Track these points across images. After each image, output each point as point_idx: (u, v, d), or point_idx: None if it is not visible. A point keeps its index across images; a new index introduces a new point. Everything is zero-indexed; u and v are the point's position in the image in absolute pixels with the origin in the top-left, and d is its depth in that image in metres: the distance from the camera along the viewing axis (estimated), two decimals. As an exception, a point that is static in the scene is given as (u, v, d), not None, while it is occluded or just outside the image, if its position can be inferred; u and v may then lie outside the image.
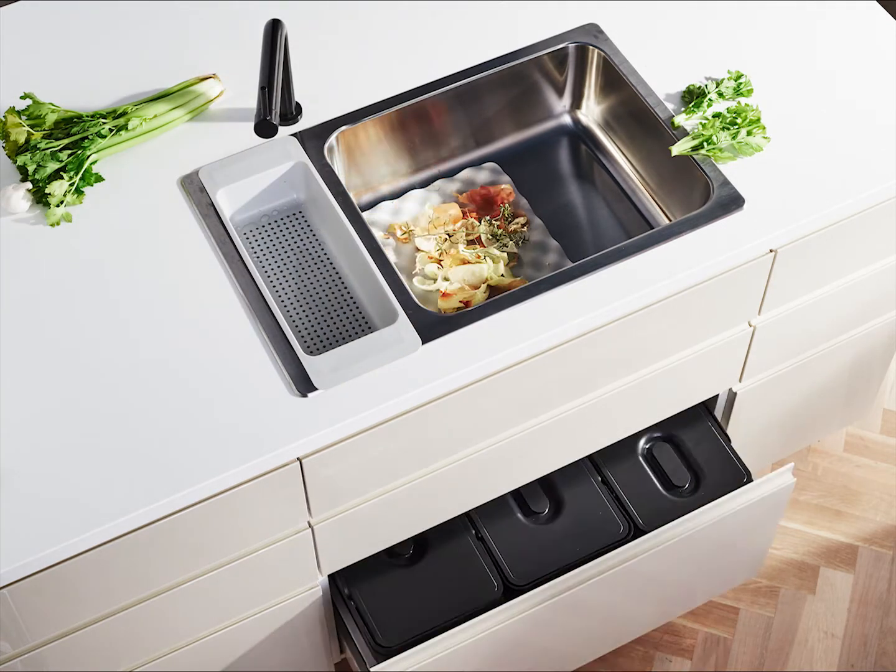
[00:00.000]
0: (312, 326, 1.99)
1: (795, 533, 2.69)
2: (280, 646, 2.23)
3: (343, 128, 2.09)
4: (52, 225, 1.98)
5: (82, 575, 1.81)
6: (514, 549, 2.22)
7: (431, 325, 1.89)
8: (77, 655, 1.97)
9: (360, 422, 1.83)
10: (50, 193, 1.97)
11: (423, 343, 1.87)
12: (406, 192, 2.22)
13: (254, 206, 2.07)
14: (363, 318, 1.99)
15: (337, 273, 2.03)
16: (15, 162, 2.00)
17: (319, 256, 2.05)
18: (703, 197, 2.06)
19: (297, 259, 2.05)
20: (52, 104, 2.05)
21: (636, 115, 2.15)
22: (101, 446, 1.78)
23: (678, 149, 2.05)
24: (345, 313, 2.00)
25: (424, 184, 2.23)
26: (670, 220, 2.10)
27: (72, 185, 1.98)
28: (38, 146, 1.99)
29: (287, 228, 2.08)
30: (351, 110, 2.11)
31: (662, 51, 2.18)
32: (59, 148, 1.99)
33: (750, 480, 2.29)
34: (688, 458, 2.32)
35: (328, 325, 1.99)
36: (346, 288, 2.02)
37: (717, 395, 2.37)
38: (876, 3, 2.25)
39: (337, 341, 1.98)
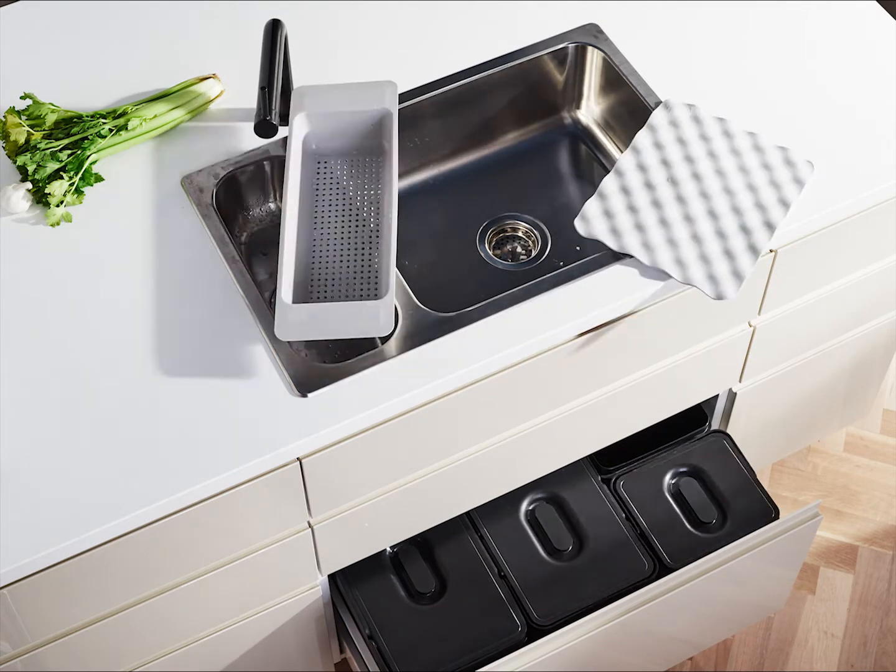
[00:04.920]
0: (323, 275, 1.94)
1: (795, 533, 2.69)
2: (280, 646, 2.23)
3: (343, 128, 2.09)
4: (52, 225, 1.98)
5: (82, 575, 1.81)
6: (537, 588, 2.18)
7: (432, 324, 1.89)
8: (77, 655, 1.97)
9: (359, 422, 1.83)
10: (50, 193, 1.97)
11: (422, 343, 1.87)
12: (405, 192, 2.22)
13: (334, 140, 2.03)
14: (376, 281, 1.94)
15: (376, 229, 1.97)
16: (15, 162, 2.00)
17: (372, 206, 2.00)
18: (703, 197, 2.06)
19: (352, 204, 2.01)
20: (52, 104, 2.05)
21: (636, 115, 2.14)
22: (101, 446, 1.78)
23: None
24: (359, 269, 1.95)
25: (424, 184, 2.23)
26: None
27: (72, 185, 1.98)
28: (38, 146, 1.99)
29: (357, 169, 2.03)
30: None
31: (662, 51, 2.17)
32: (59, 148, 1.99)
33: (777, 517, 2.25)
34: (713, 492, 2.28)
35: (337, 280, 1.94)
36: (373, 245, 1.96)
37: (717, 395, 2.37)
38: (876, 3, 2.25)
39: (322, 296, 1.92)
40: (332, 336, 1.80)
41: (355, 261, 1.96)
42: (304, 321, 1.80)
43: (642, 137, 2.00)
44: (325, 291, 1.93)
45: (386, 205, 1.96)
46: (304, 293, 1.93)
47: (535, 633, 2.17)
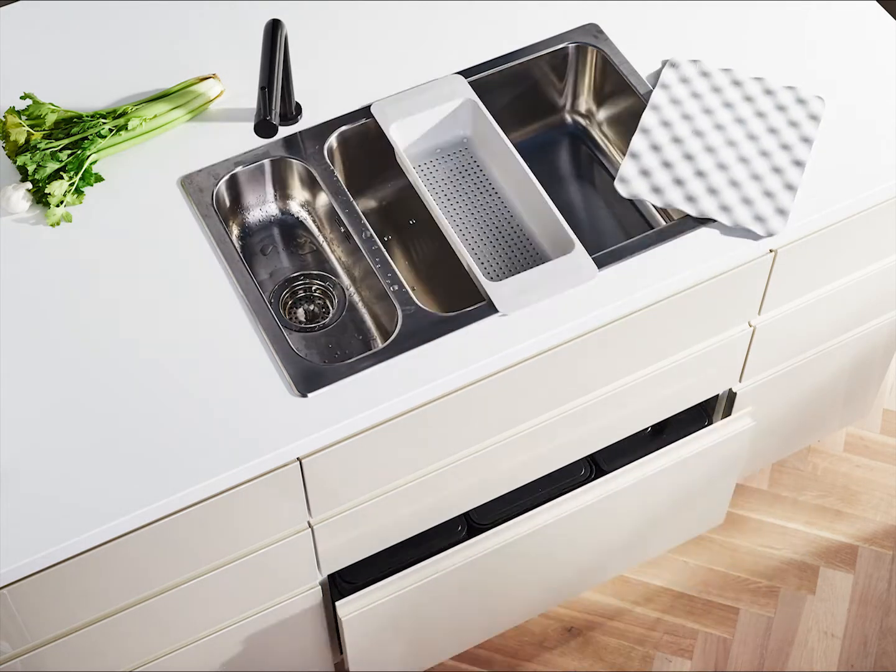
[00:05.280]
0: (485, 255, 2.06)
1: (795, 533, 2.69)
2: (280, 646, 2.23)
3: (343, 128, 2.10)
4: (52, 225, 1.98)
5: (82, 575, 1.81)
6: None
7: (432, 324, 1.89)
8: (77, 655, 1.97)
9: (359, 422, 1.83)
10: (50, 193, 1.97)
11: (422, 343, 1.87)
12: (406, 191, 2.22)
13: (423, 142, 2.13)
14: (533, 248, 2.05)
15: (505, 206, 2.09)
16: (15, 162, 2.00)
17: (487, 190, 2.11)
18: (703, 197, 2.06)
19: (467, 192, 2.12)
20: (52, 104, 2.05)
21: (636, 115, 2.14)
22: (101, 446, 1.78)
23: None
24: (515, 244, 2.06)
25: (424, 184, 2.23)
26: (670, 220, 2.10)
27: (72, 185, 1.98)
28: (38, 146, 1.99)
29: (454, 163, 2.14)
30: (351, 110, 2.11)
31: (662, 51, 2.17)
32: (59, 148, 1.99)
33: (710, 423, 2.34)
34: None
35: (499, 255, 2.06)
36: (514, 220, 2.08)
37: (717, 395, 2.37)
38: (876, 3, 2.25)
39: (510, 271, 2.04)
40: (552, 295, 1.89)
41: (508, 236, 2.07)
42: (521, 290, 1.90)
43: (658, 96, 2.08)
44: (505, 265, 2.05)
45: (507, 176, 2.08)
46: (490, 273, 2.05)
47: (475, 532, 2.25)
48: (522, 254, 2.05)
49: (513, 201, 2.09)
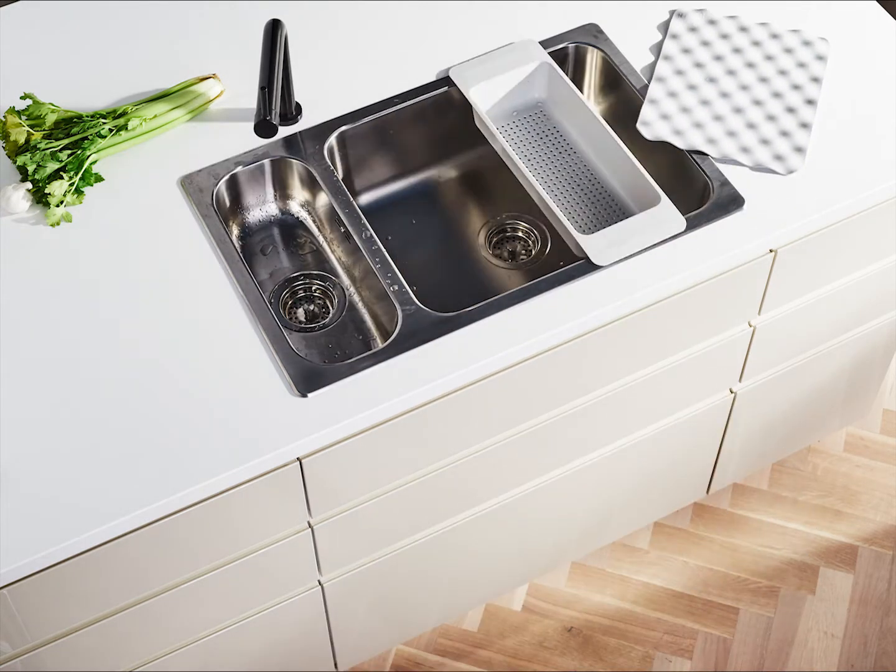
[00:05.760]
0: (571, 212, 2.11)
1: (795, 533, 2.69)
2: (280, 646, 2.23)
3: (343, 128, 2.09)
4: (52, 225, 1.98)
5: (82, 575, 1.81)
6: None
7: (432, 324, 1.89)
8: (77, 655, 1.97)
9: (359, 422, 1.83)
10: (50, 193, 1.97)
11: (422, 343, 1.87)
12: (405, 192, 2.22)
13: (500, 105, 2.18)
14: (616, 204, 2.11)
15: (584, 165, 2.14)
16: (15, 162, 2.00)
17: (565, 150, 2.16)
18: (703, 197, 2.06)
19: (545, 152, 2.16)
20: (52, 104, 2.05)
21: (635, 114, 2.14)
22: (101, 446, 1.78)
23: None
24: (597, 200, 2.12)
25: (425, 184, 2.23)
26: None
27: (72, 185, 1.98)
28: (38, 146, 1.99)
29: (531, 124, 2.18)
30: (351, 110, 2.11)
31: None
32: (59, 148, 1.99)
33: None
34: None
35: (584, 211, 2.11)
36: (595, 177, 2.13)
37: (717, 396, 2.37)
38: (876, 3, 2.25)
39: (595, 226, 2.10)
40: (641, 247, 1.94)
41: (590, 192, 2.13)
42: (613, 242, 1.94)
43: (669, 46, 2.14)
44: (592, 220, 2.10)
45: (586, 136, 2.14)
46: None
47: None
48: (606, 209, 2.10)
49: (592, 160, 2.14)
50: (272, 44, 1.94)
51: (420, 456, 2.00)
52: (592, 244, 1.94)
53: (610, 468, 2.33)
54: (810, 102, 2.10)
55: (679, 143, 2.05)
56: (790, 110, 2.08)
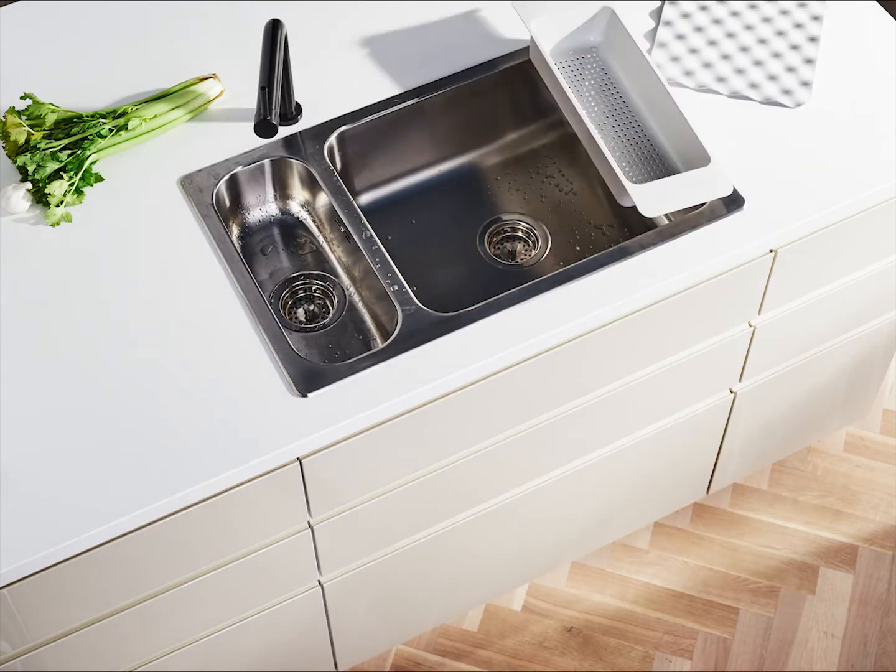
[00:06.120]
0: (618, 159, 2.09)
1: (795, 533, 2.69)
2: (280, 646, 2.23)
3: (343, 128, 2.09)
4: (52, 225, 1.98)
5: (82, 575, 1.81)
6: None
7: (432, 324, 1.89)
8: (77, 655, 1.97)
9: (359, 422, 1.83)
10: (50, 193, 1.97)
11: (422, 343, 1.87)
12: (405, 192, 2.22)
13: (557, 43, 2.17)
14: (661, 159, 2.08)
15: (633, 115, 2.12)
16: (15, 162, 2.00)
17: (614, 96, 2.14)
18: (703, 197, 2.06)
19: (596, 97, 2.14)
20: (52, 104, 2.05)
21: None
22: (101, 446, 1.78)
23: None
24: (643, 152, 2.10)
25: (425, 183, 2.23)
26: (670, 220, 2.10)
27: (72, 185, 1.98)
28: (38, 146, 1.99)
29: (584, 67, 2.17)
30: (351, 110, 2.11)
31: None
32: (59, 148, 1.99)
33: None
34: None
35: (628, 160, 2.09)
36: (643, 130, 2.11)
37: (717, 396, 2.37)
38: (876, 3, 2.25)
39: (640, 178, 2.07)
40: (687, 204, 1.94)
41: (637, 144, 2.10)
42: (662, 193, 1.94)
43: None
44: (633, 174, 2.07)
45: (639, 86, 2.12)
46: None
47: None
48: (649, 163, 2.09)
49: (642, 111, 2.13)
50: (272, 44, 1.94)
51: (420, 456, 2.00)
52: (641, 193, 1.93)
53: (610, 468, 2.33)
54: (813, 39, 2.17)
55: (690, 84, 2.12)
56: (794, 47, 2.16)
